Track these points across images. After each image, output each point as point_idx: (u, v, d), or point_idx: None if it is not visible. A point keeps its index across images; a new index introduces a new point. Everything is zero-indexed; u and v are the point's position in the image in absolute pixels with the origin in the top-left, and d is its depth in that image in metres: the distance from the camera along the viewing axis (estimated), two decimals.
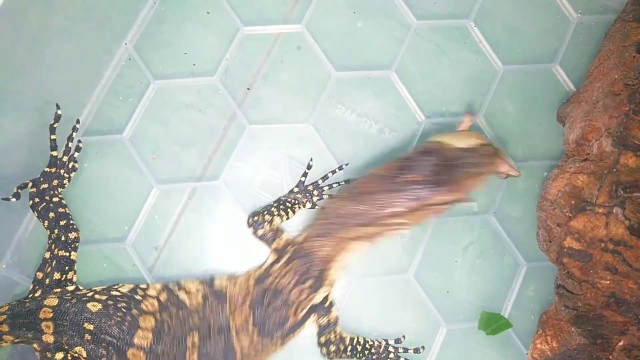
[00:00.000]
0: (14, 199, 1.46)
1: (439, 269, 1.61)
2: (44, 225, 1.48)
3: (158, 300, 1.41)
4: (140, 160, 1.59)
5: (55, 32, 1.46)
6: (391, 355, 1.52)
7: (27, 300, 1.39)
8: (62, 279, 1.43)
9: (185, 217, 1.59)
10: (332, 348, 1.46)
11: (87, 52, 1.58)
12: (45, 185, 1.49)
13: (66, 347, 1.36)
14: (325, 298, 1.45)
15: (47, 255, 1.46)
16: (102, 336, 1.33)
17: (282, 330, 1.39)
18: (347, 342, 1.48)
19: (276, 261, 1.45)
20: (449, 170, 1.33)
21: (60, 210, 1.48)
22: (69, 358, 1.37)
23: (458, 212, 1.61)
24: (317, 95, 1.65)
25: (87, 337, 1.34)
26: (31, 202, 1.48)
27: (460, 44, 1.70)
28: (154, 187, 1.59)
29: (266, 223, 1.50)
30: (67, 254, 1.45)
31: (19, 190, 1.47)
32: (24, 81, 1.44)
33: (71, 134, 1.54)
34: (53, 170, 1.51)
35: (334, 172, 1.59)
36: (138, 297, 1.40)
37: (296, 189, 1.57)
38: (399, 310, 1.59)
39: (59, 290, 1.41)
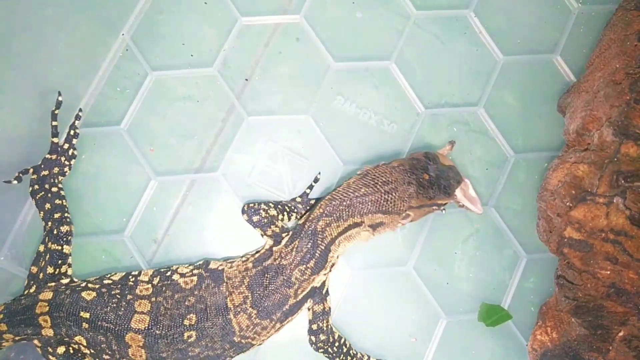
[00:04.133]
0: (15, 182, 1.46)
1: (438, 261, 1.60)
2: (39, 216, 1.47)
3: (151, 284, 1.41)
4: (138, 152, 1.59)
5: (51, 22, 1.45)
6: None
7: (23, 297, 1.39)
8: (56, 272, 1.43)
9: (184, 209, 1.58)
10: (322, 337, 1.45)
11: (84, 43, 1.57)
12: (45, 172, 1.49)
13: (66, 339, 1.36)
14: (324, 283, 1.44)
15: (41, 248, 1.45)
16: (99, 323, 1.33)
17: (282, 311, 1.38)
18: (336, 336, 1.48)
19: (276, 243, 1.45)
20: (445, 180, 1.43)
21: (57, 202, 1.47)
22: (71, 351, 1.37)
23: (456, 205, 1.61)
24: (316, 87, 1.64)
25: (85, 325, 1.34)
26: (31, 188, 1.48)
27: (460, 34, 1.68)
28: (152, 179, 1.58)
29: (262, 210, 1.49)
30: (60, 247, 1.44)
31: (21, 175, 1.46)
32: (20, 72, 1.43)
33: (73, 122, 1.54)
34: (54, 157, 1.50)
35: (311, 186, 1.58)
36: (130, 283, 1.41)
37: (299, 199, 1.56)
38: (399, 302, 1.59)
39: (53, 284, 1.40)
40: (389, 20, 1.68)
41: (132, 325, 1.33)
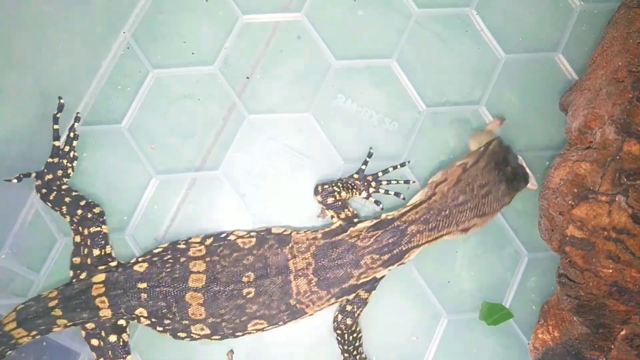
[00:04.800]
0: (15, 180, 1.46)
1: (440, 259, 1.60)
2: (61, 213, 1.47)
3: (204, 245, 1.43)
4: (139, 150, 1.59)
5: (53, 21, 1.45)
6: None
7: (75, 282, 1.41)
8: (102, 254, 1.45)
9: (185, 207, 1.58)
10: (349, 322, 1.46)
11: (85, 41, 1.57)
12: (49, 176, 1.50)
13: (123, 321, 1.40)
14: (383, 276, 1.44)
15: (78, 239, 1.47)
16: (157, 289, 1.37)
17: (340, 288, 1.40)
18: (358, 329, 1.49)
19: (351, 223, 1.45)
20: (514, 172, 1.42)
21: (74, 194, 1.49)
22: (121, 343, 1.41)
23: None
24: (317, 85, 1.63)
25: (143, 296, 1.37)
26: (39, 194, 1.49)
27: (462, 32, 1.68)
28: (153, 178, 1.58)
29: (336, 192, 1.49)
30: (99, 228, 1.46)
31: (22, 176, 1.47)
32: (21, 71, 1.43)
33: (73, 124, 1.54)
34: (56, 160, 1.51)
35: (395, 167, 1.58)
36: (182, 247, 1.43)
37: (356, 175, 1.56)
38: (400, 301, 1.59)
39: (103, 267, 1.42)
40: (390, 18, 1.67)
41: (190, 285, 1.36)
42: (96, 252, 1.44)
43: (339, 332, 1.48)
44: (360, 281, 1.40)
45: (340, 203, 1.49)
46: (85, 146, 1.57)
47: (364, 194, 1.56)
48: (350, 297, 1.44)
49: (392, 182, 1.58)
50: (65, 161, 1.52)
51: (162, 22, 1.63)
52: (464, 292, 1.59)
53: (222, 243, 1.43)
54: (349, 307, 1.45)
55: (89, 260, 1.44)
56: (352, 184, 1.54)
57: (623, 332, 1.26)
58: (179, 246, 1.43)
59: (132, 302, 1.37)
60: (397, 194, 1.57)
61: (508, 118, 1.64)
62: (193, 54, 1.63)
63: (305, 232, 1.45)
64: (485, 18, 1.68)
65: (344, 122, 1.63)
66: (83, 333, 1.42)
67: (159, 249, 1.44)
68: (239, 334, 1.40)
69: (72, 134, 1.54)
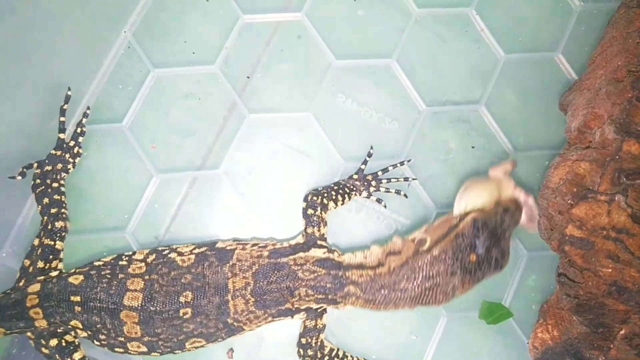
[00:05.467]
0: (19, 177, 1.46)
1: None
2: (38, 210, 1.47)
3: (145, 262, 1.40)
4: (140, 149, 1.59)
5: (53, 19, 1.45)
6: None
7: (12, 290, 1.39)
8: (46, 267, 1.42)
9: (186, 206, 1.58)
10: (310, 353, 1.45)
11: (86, 40, 1.58)
12: (49, 167, 1.49)
13: (60, 330, 1.37)
14: (324, 309, 1.44)
15: (36, 242, 1.45)
16: (91, 304, 1.34)
17: (277, 309, 1.38)
18: (327, 351, 1.47)
19: (304, 249, 1.42)
20: (498, 245, 1.29)
21: (56, 197, 1.47)
22: (64, 343, 1.38)
23: None
24: (317, 84, 1.64)
25: (77, 308, 1.34)
26: (33, 182, 1.49)
27: (462, 32, 1.68)
28: (153, 176, 1.58)
29: (320, 208, 1.48)
30: (52, 242, 1.44)
31: (25, 170, 1.47)
32: (23, 69, 1.43)
33: (81, 120, 1.55)
34: (59, 153, 1.51)
35: (395, 166, 1.58)
36: (123, 263, 1.41)
37: (355, 176, 1.56)
38: None
39: (42, 277, 1.40)
40: (391, 18, 1.67)
41: (125, 303, 1.33)
42: (41, 264, 1.42)
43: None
44: (295, 307, 1.39)
45: (316, 219, 1.48)
46: (86, 145, 1.57)
47: (365, 193, 1.55)
48: (301, 330, 1.44)
49: (392, 179, 1.58)
50: (67, 155, 1.52)
51: (163, 21, 1.64)
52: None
53: (161, 261, 1.40)
54: (303, 340, 1.44)
55: (31, 269, 1.42)
56: (352, 186, 1.54)
57: (622, 332, 1.26)
58: (120, 262, 1.41)
59: (66, 315, 1.34)
60: (397, 192, 1.57)
61: (508, 117, 1.65)
62: (194, 53, 1.63)
63: (252, 248, 1.42)
64: (485, 18, 1.68)
65: (344, 121, 1.63)
66: (32, 343, 1.40)
67: (100, 262, 1.42)
68: (178, 351, 1.39)
69: (79, 129, 1.54)
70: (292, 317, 1.42)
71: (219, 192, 1.59)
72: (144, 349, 1.37)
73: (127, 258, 1.42)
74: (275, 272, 1.37)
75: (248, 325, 1.39)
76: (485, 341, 1.58)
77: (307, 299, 1.38)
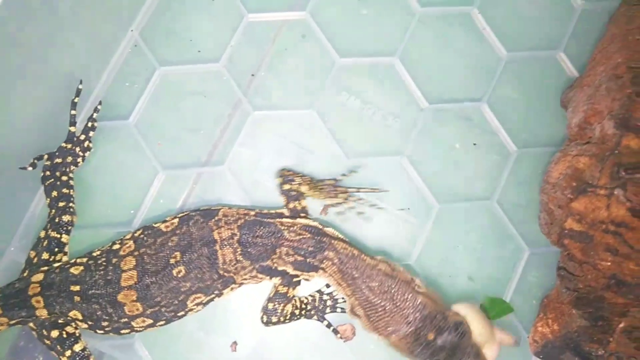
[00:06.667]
0: (30, 168, 1.49)
1: (441, 255, 1.61)
2: (46, 203, 1.50)
3: (133, 238, 1.43)
4: (146, 146, 1.61)
5: (62, 19, 1.48)
6: (328, 302, 1.52)
7: (17, 281, 1.42)
8: (51, 259, 1.45)
9: (191, 201, 1.61)
10: (274, 320, 1.46)
11: (93, 39, 1.60)
12: (59, 160, 1.52)
13: (61, 321, 1.39)
14: (298, 278, 1.45)
15: (42, 234, 1.48)
16: (90, 292, 1.36)
17: (260, 265, 1.40)
18: (288, 315, 1.47)
19: (290, 216, 1.46)
20: (451, 356, 1.33)
21: (64, 190, 1.50)
22: (65, 335, 1.40)
23: (459, 199, 1.62)
24: (321, 82, 1.66)
25: (77, 298, 1.36)
26: (42, 174, 1.51)
27: (464, 31, 1.70)
28: (159, 172, 1.61)
29: (296, 182, 1.51)
30: (59, 235, 1.46)
31: (35, 161, 1.50)
32: (31, 66, 1.45)
33: (92, 115, 1.57)
34: (69, 146, 1.54)
35: (374, 190, 1.59)
36: (116, 247, 1.43)
37: (330, 181, 1.58)
38: None
39: (46, 268, 1.43)
40: (394, 17, 1.69)
41: (122, 285, 1.36)
42: (45, 255, 1.44)
43: (271, 326, 1.48)
44: (274, 266, 1.41)
45: (295, 193, 1.50)
46: (93, 141, 1.60)
47: (328, 201, 1.56)
48: (271, 294, 1.46)
49: (361, 190, 1.58)
50: (78, 149, 1.55)
51: (169, 20, 1.67)
52: (465, 286, 1.60)
53: (146, 232, 1.43)
54: (270, 306, 1.45)
55: (35, 260, 1.45)
56: (322, 186, 1.55)
57: (622, 325, 1.27)
58: (114, 247, 1.43)
59: (66, 305, 1.36)
60: (372, 189, 1.58)
61: (510, 115, 1.66)
62: (199, 51, 1.66)
63: (237, 209, 1.45)
64: (487, 16, 1.70)
65: (347, 119, 1.65)
66: (34, 334, 1.43)
67: (97, 252, 1.44)
68: (182, 313, 1.41)
69: (90, 124, 1.57)
70: (271, 278, 1.43)
71: (223, 188, 1.61)
72: (150, 321, 1.39)
73: (119, 241, 1.44)
74: (262, 227, 1.40)
75: (238, 276, 1.40)
76: None
77: (285, 258, 1.40)
